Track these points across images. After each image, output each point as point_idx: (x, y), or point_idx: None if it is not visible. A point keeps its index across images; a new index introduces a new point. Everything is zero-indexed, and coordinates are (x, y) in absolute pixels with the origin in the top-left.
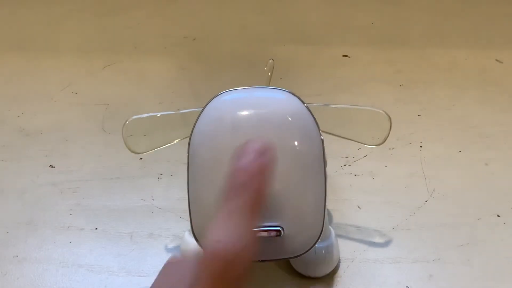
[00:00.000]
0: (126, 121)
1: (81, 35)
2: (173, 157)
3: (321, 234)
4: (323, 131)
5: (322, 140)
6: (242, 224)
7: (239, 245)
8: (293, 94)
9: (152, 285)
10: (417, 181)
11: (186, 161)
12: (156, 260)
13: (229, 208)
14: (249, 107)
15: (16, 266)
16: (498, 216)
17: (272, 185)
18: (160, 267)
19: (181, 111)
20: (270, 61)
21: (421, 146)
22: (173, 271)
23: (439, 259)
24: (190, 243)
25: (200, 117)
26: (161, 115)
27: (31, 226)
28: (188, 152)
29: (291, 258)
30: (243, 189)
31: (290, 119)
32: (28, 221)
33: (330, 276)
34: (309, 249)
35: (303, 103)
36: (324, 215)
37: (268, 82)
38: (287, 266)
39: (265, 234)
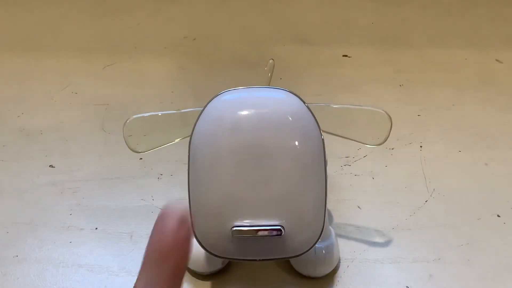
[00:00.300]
0: (126, 120)
1: (81, 35)
2: (173, 157)
3: (321, 234)
4: (323, 131)
5: (322, 140)
6: None
7: None
8: (293, 93)
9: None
10: (417, 181)
11: (186, 161)
12: None
13: (149, 276)
14: (250, 107)
15: (16, 266)
16: (498, 216)
17: (273, 185)
18: None
19: (182, 111)
20: (270, 61)
21: (421, 146)
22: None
23: (439, 259)
24: None
25: (200, 117)
26: (162, 114)
27: (31, 226)
28: (189, 152)
29: (291, 258)
30: (167, 258)
31: (290, 118)
32: (28, 221)
33: (330, 276)
34: (309, 249)
35: (304, 102)
36: (324, 215)
37: (268, 82)
38: (287, 266)
39: (266, 233)
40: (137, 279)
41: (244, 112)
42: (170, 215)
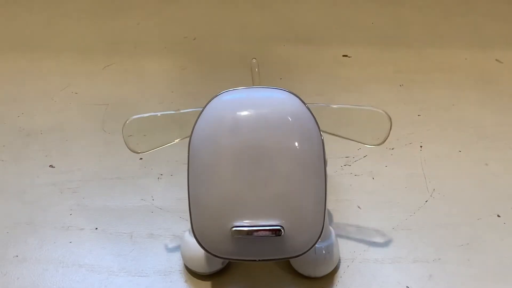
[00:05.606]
0: (126, 121)
1: (81, 35)
2: (173, 157)
3: (321, 234)
4: (323, 131)
5: (322, 140)
6: None
7: None
8: (293, 94)
9: None
10: (417, 181)
11: (186, 161)
12: (156, 260)
13: None
14: (249, 107)
15: (16, 266)
16: (498, 216)
17: (272, 185)
18: (160, 267)
19: (181, 111)
20: (253, 60)
21: (421, 146)
22: None
23: (439, 259)
24: (190, 243)
25: (200, 117)
26: (161, 115)
27: (31, 226)
28: (188, 152)
29: (291, 258)
30: None
31: (290, 119)
32: (28, 221)
33: (330, 276)
34: (309, 249)
35: (304, 103)
36: (324, 215)
37: (253, 81)
38: (287, 266)
39: (265, 233)
40: None
41: (244, 113)
42: None
